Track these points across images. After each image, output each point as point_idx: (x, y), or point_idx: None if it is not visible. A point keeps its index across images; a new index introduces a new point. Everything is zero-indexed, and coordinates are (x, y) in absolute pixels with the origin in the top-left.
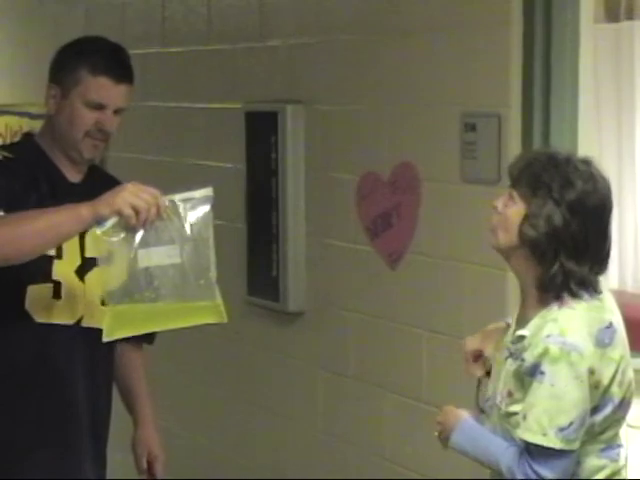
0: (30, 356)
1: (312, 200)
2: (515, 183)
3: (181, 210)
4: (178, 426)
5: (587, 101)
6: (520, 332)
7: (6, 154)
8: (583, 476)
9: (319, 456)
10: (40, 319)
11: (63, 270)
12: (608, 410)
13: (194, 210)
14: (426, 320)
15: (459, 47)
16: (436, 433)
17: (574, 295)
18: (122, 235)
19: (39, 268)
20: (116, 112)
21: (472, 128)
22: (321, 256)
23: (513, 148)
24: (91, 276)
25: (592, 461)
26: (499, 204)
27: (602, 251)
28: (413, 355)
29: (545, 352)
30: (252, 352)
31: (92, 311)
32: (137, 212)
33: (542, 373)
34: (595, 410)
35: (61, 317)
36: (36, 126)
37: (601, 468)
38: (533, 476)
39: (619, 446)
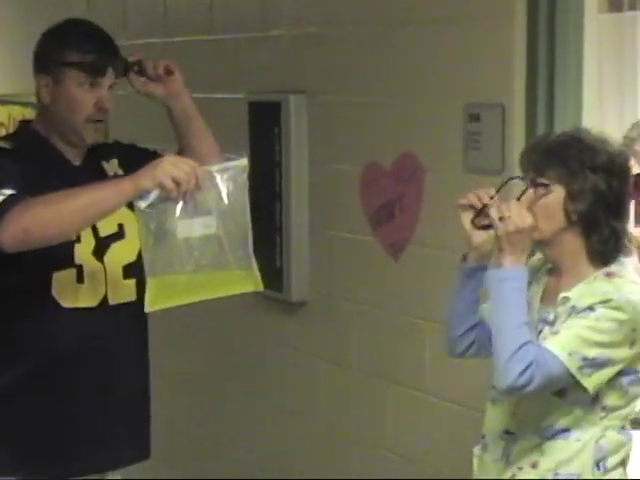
0: (62, 342)
1: (315, 191)
2: (541, 171)
3: (218, 180)
4: (179, 416)
5: (591, 91)
6: (563, 294)
7: (12, 144)
8: (608, 447)
9: (321, 447)
10: (67, 304)
11: (82, 253)
12: (635, 376)
13: (230, 180)
14: (429, 311)
15: (463, 37)
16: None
17: (624, 252)
18: (162, 207)
19: (63, 254)
20: (110, 88)
21: (476, 118)
22: (324, 247)
23: (517, 138)
24: (109, 255)
25: (615, 435)
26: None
27: (629, 207)
28: (416, 346)
29: (601, 297)
30: (255, 342)
31: (116, 288)
32: (177, 184)
33: (592, 309)
34: (625, 372)
35: (86, 300)
36: None
37: (622, 445)
38: (526, 380)
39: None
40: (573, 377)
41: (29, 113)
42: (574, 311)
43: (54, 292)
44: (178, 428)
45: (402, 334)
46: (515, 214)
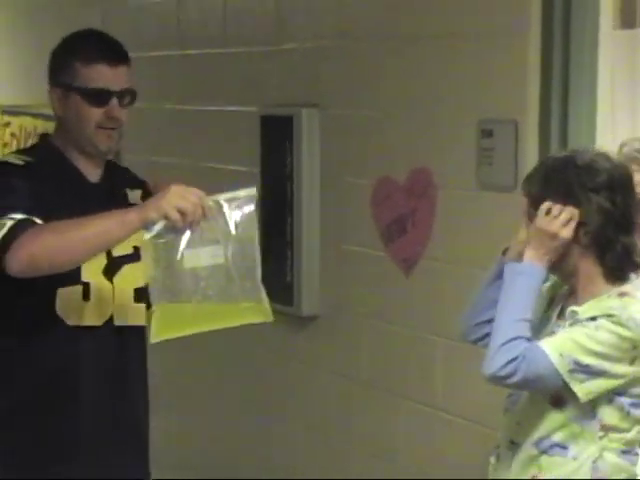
0: (64, 359)
1: (327, 205)
2: (543, 200)
3: (225, 210)
4: (189, 429)
5: (604, 108)
6: (573, 308)
7: (27, 159)
8: (606, 470)
9: (331, 461)
10: (71, 322)
11: (91, 271)
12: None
13: (238, 210)
14: (440, 327)
15: (477, 53)
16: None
17: (637, 267)
18: (169, 237)
19: (68, 271)
20: (121, 102)
21: (489, 134)
22: (335, 261)
23: (530, 155)
24: (120, 275)
25: (614, 458)
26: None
27: (636, 220)
28: (427, 362)
29: (605, 311)
30: (265, 356)
31: (124, 310)
32: (183, 214)
33: (594, 319)
34: (627, 392)
35: (91, 319)
36: (50, 127)
37: (622, 470)
38: (510, 371)
39: (637, 454)
40: (563, 380)
41: (40, 124)
42: (577, 321)
43: (58, 309)
44: (187, 441)
45: (413, 349)
46: (562, 218)
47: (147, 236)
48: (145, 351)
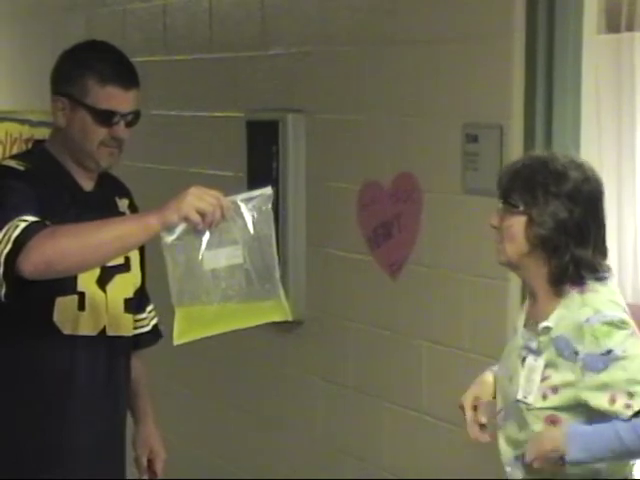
0: (59, 368)
1: (312, 209)
2: (508, 194)
3: (243, 210)
4: (174, 435)
5: (589, 112)
6: (544, 324)
7: (26, 164)
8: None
9: (317, 466)
10: (67, 331)
11: (86, 281)
12: None
13: (255, 209)
14: (426, 331)
15: (461, 58)
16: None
17: (585, 279)
18: (189, 239)
19: (66, 280)
20: (127, 123)
21: (474, 139)
22: (321, 266)
23: (515, 159)
24: (112, 285)
25: None
26: (494, 221)
27: (601, 234)
28: (413, 366)
29: (596, 335)
30: (251, 361)
31: (116, 320)
32: (203, 216)
33: (609, 352)
34: None
35: (86, 328)
36: (37, 133)
37: (624, 466)
38: None
39: None
40: None
41: (26, 131)
42: (578, 359)
43: (56, 318)
44: (174, 445)
45: (399, 353)
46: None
47: (168, 239)
48: (130, 360)
